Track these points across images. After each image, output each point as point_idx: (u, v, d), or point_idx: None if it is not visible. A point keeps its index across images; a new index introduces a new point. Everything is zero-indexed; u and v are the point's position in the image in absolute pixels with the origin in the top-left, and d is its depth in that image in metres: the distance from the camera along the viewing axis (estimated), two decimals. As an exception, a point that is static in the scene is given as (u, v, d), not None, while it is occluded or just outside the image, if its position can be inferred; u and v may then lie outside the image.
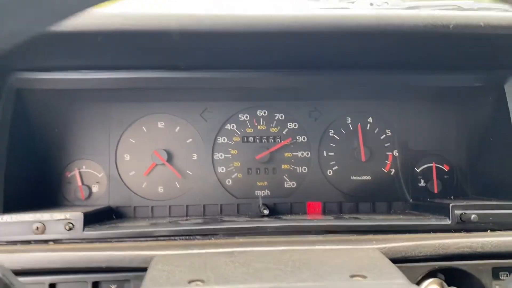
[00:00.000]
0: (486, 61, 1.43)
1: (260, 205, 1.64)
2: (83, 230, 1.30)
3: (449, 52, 1.35)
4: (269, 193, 1.72)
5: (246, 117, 1.73)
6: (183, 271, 0.97)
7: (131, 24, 1.07)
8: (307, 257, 1.06)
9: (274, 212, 1.69)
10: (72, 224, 1.30)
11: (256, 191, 1.72)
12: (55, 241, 1.29)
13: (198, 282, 0.89)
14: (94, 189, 1.66)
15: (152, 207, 1.67)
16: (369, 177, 1.74)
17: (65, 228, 1.30)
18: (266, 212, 1.59)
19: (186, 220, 1.55)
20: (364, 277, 0.91)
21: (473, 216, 1.34)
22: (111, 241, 1.29)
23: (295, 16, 1.17)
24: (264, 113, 1.74)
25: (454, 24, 1.13)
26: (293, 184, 1.73)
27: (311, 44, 1.29)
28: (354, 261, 1.03)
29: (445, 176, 1.75)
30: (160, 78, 1.38)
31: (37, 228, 1.30)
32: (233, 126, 1.72)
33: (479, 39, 1.24)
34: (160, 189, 1.68)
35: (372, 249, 1.16)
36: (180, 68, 1.37)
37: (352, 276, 0.91)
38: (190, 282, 0.90)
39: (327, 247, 1.19)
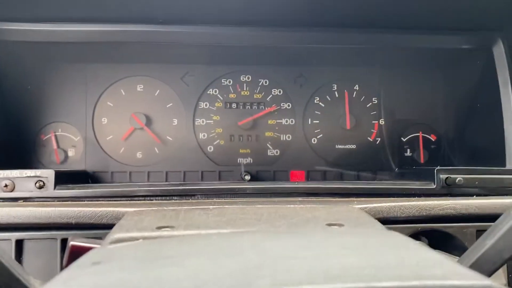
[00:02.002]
0: (474, 22, 1.39)
1: (242, 172, 1.60)
2: (54, 188, 1.25)
3: (436, 10, 1.31)
4: (251, 161, 1.67)
5: (229, 82, 1.68)
6: (152, 220, 0.92)
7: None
8: (284, 211, 1.01)
9: (257, 179, 1.64)
10: (43, 181, 1.25)
11: (238, 159, 1.67)
12: (25, 199, 1.24)
13: (167, 229, 0.85)
14: (70, 153, 1.60)
15: (130, 173, 1.61)
16: (354, 146, 1.70)
17: (36, 186, 1.25)
18: (247, 178, 1.55)
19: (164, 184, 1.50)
20: (341, 225, 0.87)
21: (458, 179, 1.30)
22: (83, 200, 1.24)
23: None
24: (248, 78, 1.69)
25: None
26: (277, 152, 1.68)
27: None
28: (332, 214, 0.98)
29: (432, 146, 1.72)
30: (137, 31, 1.33)
31: (6, 185, 1.24)
32: (215, 91, 1.67)
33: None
34: (139, 155, 1.63)
35: (352, 207, 1.12)
36: (158, 22, 1.31)
37: (328, 225, 0.87)
38: (158, 228, 0.85)
39: (307, 206, 1.15)
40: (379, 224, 0.91)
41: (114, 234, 0.82)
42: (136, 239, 0.80)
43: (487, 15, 1.36)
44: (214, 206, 1.10)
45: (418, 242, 0.69)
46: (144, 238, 0.80)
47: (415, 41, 1.44)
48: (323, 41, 1.42)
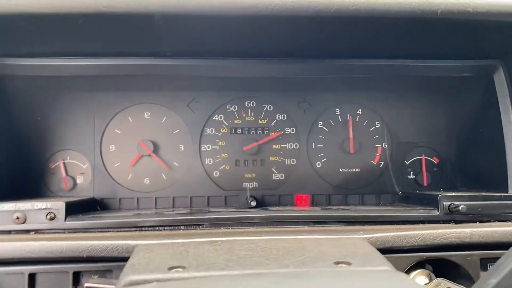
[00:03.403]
0: (475, 50, 1.41)
1: (248, 197, 1.62)
2: (65, 220, 1.27)
3: (437, 39, 1.33)
4: (257, 185, 1.70)
5: (234, 108, 1.71)
6: (164, 258, 0.94)
7: (112, 6, 1.04)
8: (291, 245, 1.04)
9: (262, 204, 1.67)
10: (54, 213, 1.28)
11: (244, 183, 1.69)
12: (36, 231, 1.27)
13: (179, 269, 0.87)
14: (79, 180, 1.63)
15: (138, 199, 1.64)
16: (358, 170, 1.72)
17: (47, 218, 1.27)
18: (253, 203, 1.57)
19: (172, 211, 1.52)
20: (348, 264, 0.89)
21: (461, 206, 1.32)
22: (93, 231, 1.26)
23: (282, 1, 1.15)
24: (253, 104, 1.72)
25: (442, 10, 1.11)
26: (282, 176, 1.71)
27: (298, 31, 1.26)
28: (339, 249, 1.01)
29: (435, 169, 1.74)
30: (145, 65, 1.35)
31: (18, 217, 1.27)
32: (221, 117, 1.70)
33: (468, 26, 1.22)
34: (146, 181, 1.65)
35: (359, 238, 1.14)
36: (165, 55, 1.34)
37: (336, 263, 0.89)
38: (170, 268, 0.87)
39: (314, 236, 1.17)
40: (386, 262, 0.93)
41: (127, 276, 0.84)
42: (149, 281, 0.82)
43: (488, 43, 1.38)
44: (223, 239, 1.12)
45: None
46: (157, 280, 0.82)
47: (417, 69, 1.46)
48: (327, 71, 1.45)
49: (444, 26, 1.22)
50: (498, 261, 0.85)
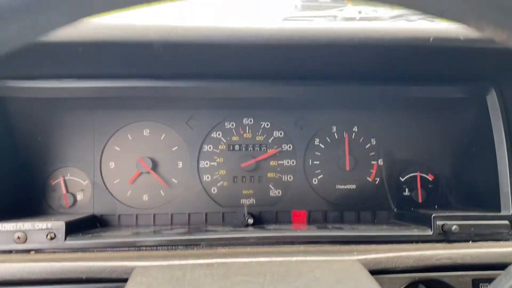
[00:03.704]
0: (468, 74, 1.44)
1: (245, 214, 1.64)
2: (65, 239, 1.30)
3: (430, 64, 1.37)
4: (254, 202, 1.72)
5: (232, 125, 1.73)
6: (161, 284, 0.97)
7: (113, 35, 1.07)
8: (285, 269, 1.06)
9: (259, 220, 1.69)
10: (54, 233, 1.30)
11: (241, 200, 1.72)
12: (37, 250, 1.29)
13: (175, 296, 0.89)
14: (79, 197, 1.65)
15: (136, 215, 1.66)
16: (354, 186, 1.75)
17: (47, 238, 1.30)
18: (250, 221, 1.60)
19: (170, 229, 1.54)
20: (340, 292, 0.91)
21: (454, 227, 1.35)
22: (93, 251, 1.29)
23: (277, 29, 1.18)
24: (250, 121, 1.74)
25: (434, 37, 1.14)
26: (279, 193, 1.73)
27: (295, 57, 1.30)
28: (332, 273, 1.03)
29: (430, 186, 1.76)
30: (143, 87, 1.38)
31: (18, 237, 1.29)
32: (219, 134, 1.73)
33: (460, 52, 1.25)
34: (145, 197, 1.68)
35: (352, 261, 1.17)
36: (163, 78, 1.37)
37: (329, 290, 0.92)
38: (167, 295, 0.90)
39: (309, 258, 1.19)
40: (377, 286, 0.95)
41: (125, 303, 0.87)
42: (146, 309, 0.84)
43: (481, 66, 1.41)
44: (219, 260, 1.15)
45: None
46: (154, 308, 0.85)
47: (410, 92, 1.49)
48: (323, 93, 1.48)
49: (437, 52, 1.25)
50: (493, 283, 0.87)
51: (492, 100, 1.46)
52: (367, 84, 1.45)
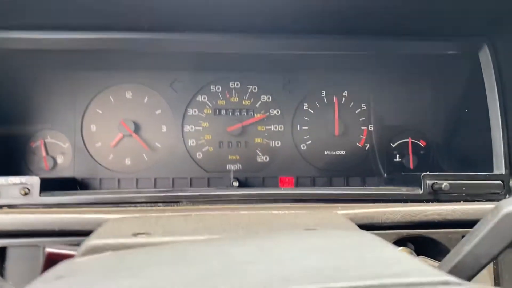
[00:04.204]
0: (460, 28, 1.39)
1: (231, 179, 1.60)
2: (39, 195, 1.25)
3: (422, 17, 1.32)
4: (241, 168, 1.67)
5: (218, 88, 1.68)
6: (131, 227, 0.92)
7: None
8: (265, 218, 1.01)
9: (246, 186, 1.64)
10: (28, 188, 1.25)
11: (227, 165, 1.67)
12: (10, 206, 1.24)
13: (143, 235, 0.85)
14: (59, 160, 1.60)
15: (118, 180, 1.61)
16: (343, 152, 1.70)
17: (21, 193, 1.25)
18: (235, 184, 1.55)
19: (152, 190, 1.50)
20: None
21: (444, 185, 1.30)
22: (68, 207, 1.24)
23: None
24: (237, 84, 1.69)
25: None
26: (266, 159, 1.68)
27: (281, 5, 1.24)
28: (312, 220, 0.98)
29: (421, 152, 1.72)
30: (123, 39, 1.33)
31: (-9, 192, 1.24)
32: (204, 98, 1.67)
33: (450, 5, 1.20)
34: (128, 161, 1.63)
35: (335, 213, 1.12)
36: (143, 29, 1.32)
37: (306, 230, 0.87)
38: (135, 234, 0.85)
39: (291, 211, 1.14)
40: (354, 226, 0.90)
41: (90, 241, 0.82)
42: (111, 246, 0.80)
43: (473, 21, 1.36)
44: (197, 213, 1.10)
45: (384, 241, 0.69)
46: (119, 244, 0.80)
47: (402, 47, 1.44)
48: (311, 47, 1.42)
49: (428, 3, 1.20)
50: (472, 230, 0.83)
51: (485, 56, 1.41)
52: (358, 38, 1.40)
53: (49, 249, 0.83)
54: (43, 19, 1.29)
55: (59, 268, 0.65)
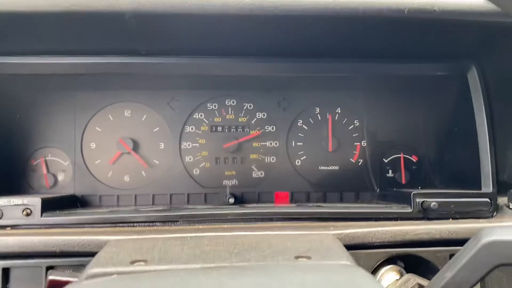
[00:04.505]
0: (449, 51, 1.43)
1: (227, 195, 1.64)
2: (41, 215, 1.29)
3: (413, 40, 1.35)
4: (237, 183, 1.72)
5: (215, 106, 1.72)
6: (129, 253, 0.96)
7: (82, 5, 1.06)
8: (257, 240, 1.05)
9: (242, 201, 1.68)
10: (30, 209, 1.29)
11: (224, 181, 1.71)
12: (13, 226, 1.28)
13: (141, 262, 0.89)
14: (60, 177, 1.65)
15: (118, 196, 1.66)
16: (337, 167, 1.74)
17: (23, 214, 1.29)
18: (231, 201, 1.59)
19: (150, 208, 1.53)
20: (308, 257, 0.91)
21: (433, 204, 1.34)
22: (69, 227, 1.28)
23: (259, 2, 1.15)
24: (233, 102, 1.73)
25: (409, 9, 1.13)
26: (261, 174, 1.73)
27: (275, 30, 1.28)
28: (303, 244, 1.02)
29: (413, 167, 1.76)
30: (120, 63, 1.36)
31: (-6, 213, 1.28)
32: (201, 115, 1.72)
33: (438, 26, 1.24)
34: (126, 178, 1.67)
35: (326, 234, 1.16)
36: (141, 54, 1.36)
37: (296, 258, 0.91)
38: (132, 262, 0.89)
39: (283, 232, 1.19)
40: (347, 256, 0.94)
41: (91, 269, 0.86)
42: (111, 274, 0.84)
43: (461, 44, 1.39)
44: (192, 235, 1.14)
45: (376, 280, 0.73)
46: (117, 272, 0.84)
47: (394, 69, 1.48)
48: (306, 70, 1.46)
49: (416, 26, 1.23)
50: (455, 255, 0.87)
51: (473, 77, 1.44)
52: (348, 61, 1.44)
53: (51, 277, 0.88)
54: (40, 44, 1.32)
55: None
